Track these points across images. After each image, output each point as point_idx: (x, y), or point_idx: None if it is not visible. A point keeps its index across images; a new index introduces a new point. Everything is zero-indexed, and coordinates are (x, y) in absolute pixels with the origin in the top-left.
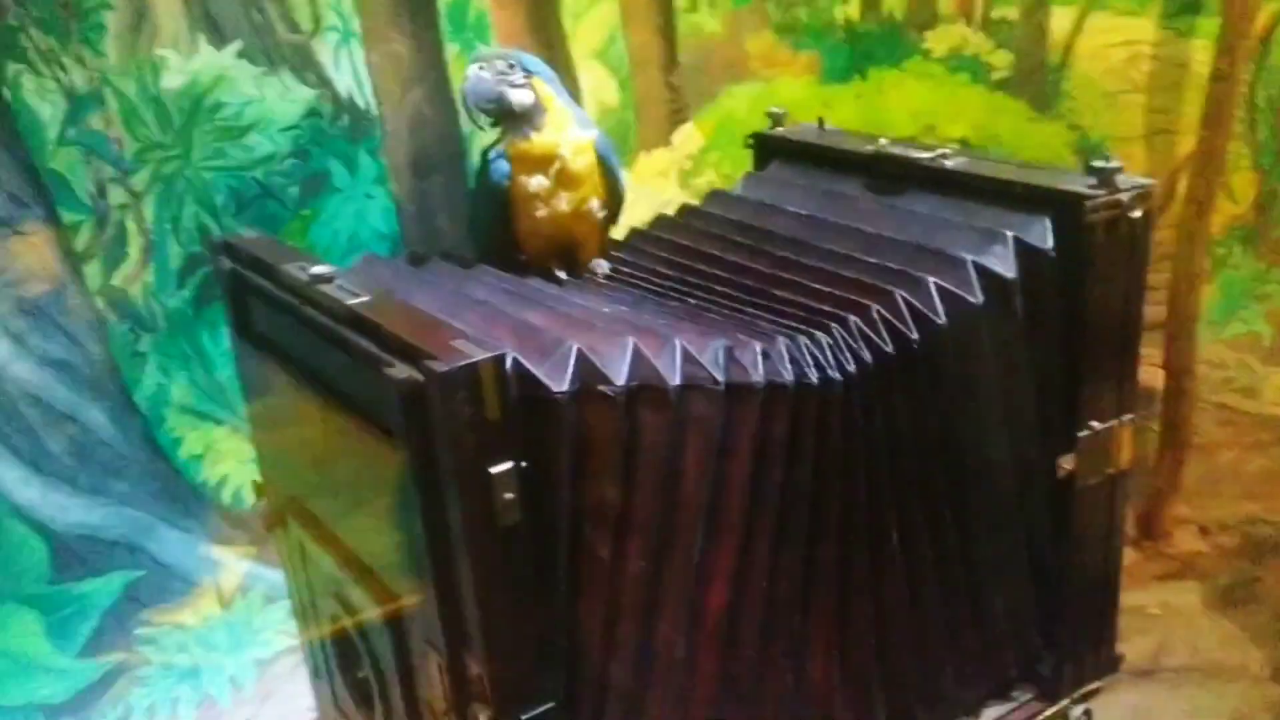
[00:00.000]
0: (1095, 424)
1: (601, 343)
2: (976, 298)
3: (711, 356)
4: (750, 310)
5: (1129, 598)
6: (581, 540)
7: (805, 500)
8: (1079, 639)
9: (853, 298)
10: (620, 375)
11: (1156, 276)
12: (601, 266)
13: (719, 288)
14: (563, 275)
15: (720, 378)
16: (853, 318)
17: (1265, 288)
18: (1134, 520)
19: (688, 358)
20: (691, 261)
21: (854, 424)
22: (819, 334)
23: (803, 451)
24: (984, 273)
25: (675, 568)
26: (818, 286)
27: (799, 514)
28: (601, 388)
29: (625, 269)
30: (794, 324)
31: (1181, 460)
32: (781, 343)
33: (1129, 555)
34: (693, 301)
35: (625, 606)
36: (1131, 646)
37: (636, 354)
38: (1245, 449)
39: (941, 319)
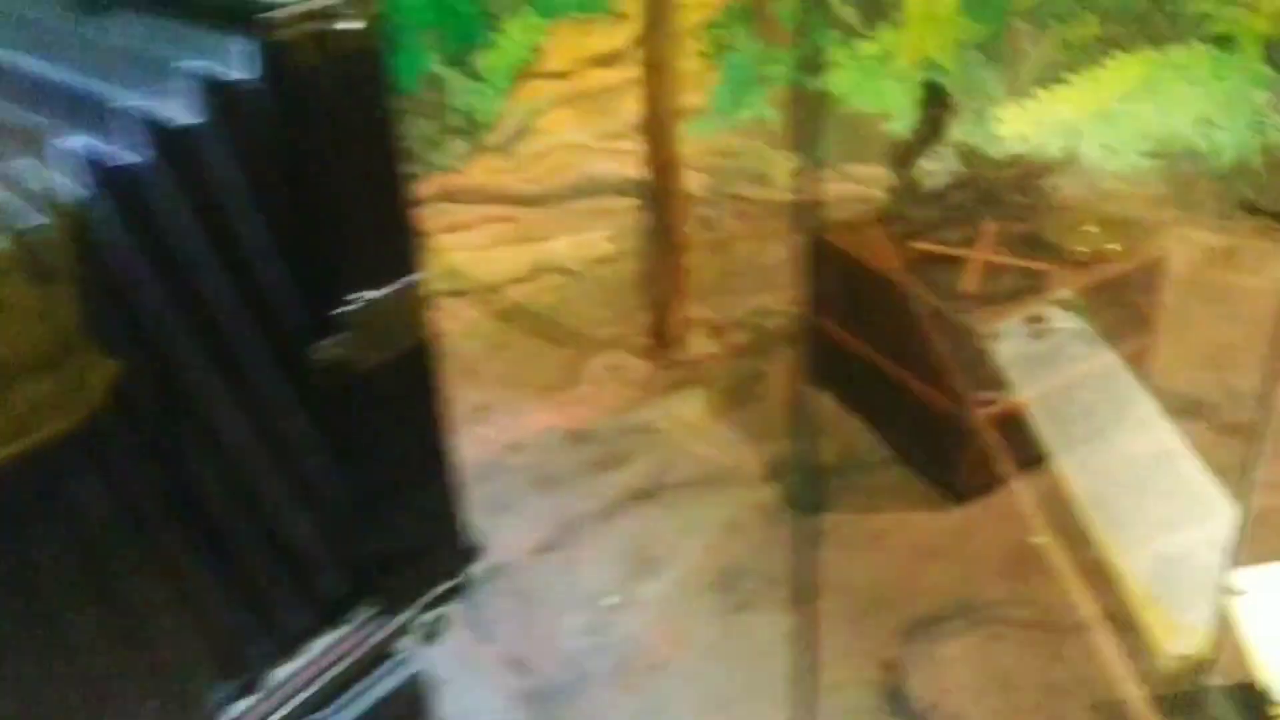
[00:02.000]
0: (366, 294)
1: None
2: (143, 156)
3: None
4: None
5: (637, 416)
6: None
7: None
8: (413, 543)
9: None
10: None
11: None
12: None
13: None
14: None
15: None
16: None
17: (768, 69)
18: (646, 330)
19: None
20: None
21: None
22: None
23: None
24: (153, 124)
25: None
26: None
27: None
28: None
29: None
30: None
31: (680, 263)
32: None
33: (642, 368)
34: None
35: None
36: (634, 469)
37: None
38: (760, 239)
39: (90, 189)
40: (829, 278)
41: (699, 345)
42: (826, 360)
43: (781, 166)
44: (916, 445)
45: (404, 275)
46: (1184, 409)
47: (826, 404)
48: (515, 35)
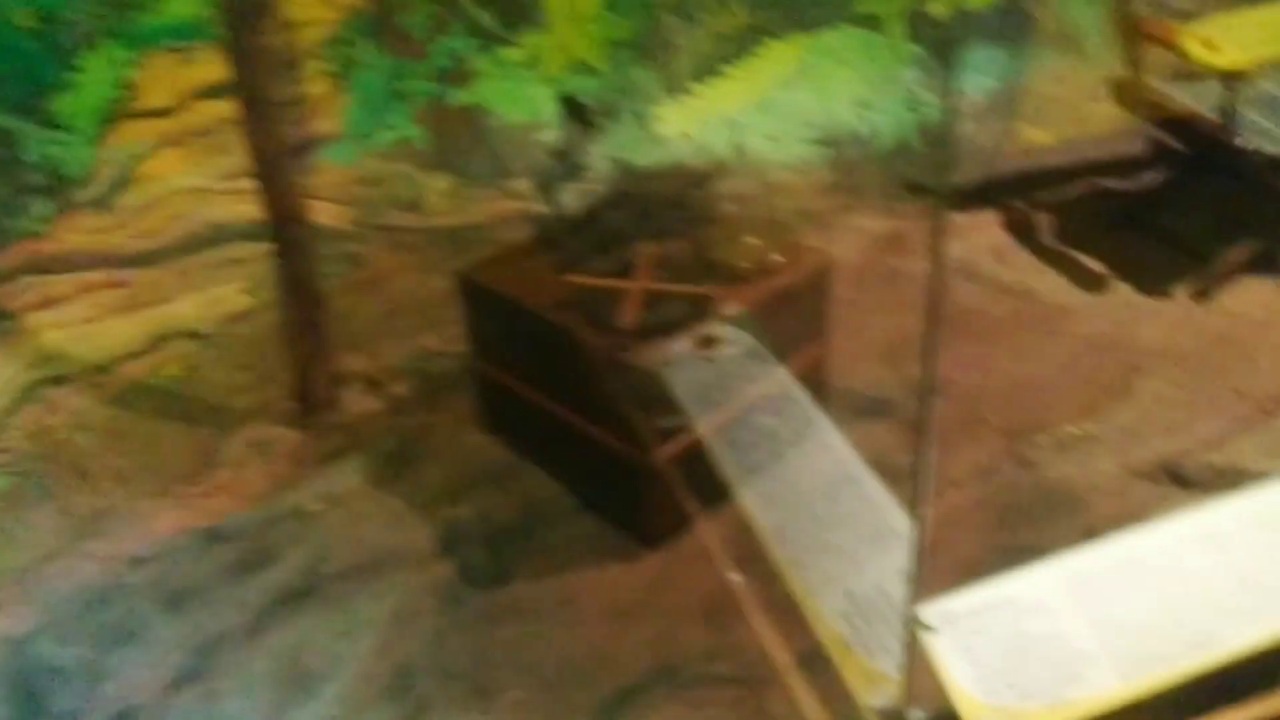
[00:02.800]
0: None
1: None
2: None
3: None
4: None
5: (286, 500)
6: None
7: None
8: None
9: None
10: None
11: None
12: None
13: None
14: None
15: None
16: None
17: (405, 84)
18: (292, 394)
19: None
20: None
21: None
22: None
23: None
24: None
25: None
26: None
27: None
28: None
29: None
30: None
31: (320, 313)
32: None
33: (291, 440)
34: None
35: None
36: (285, 566)
37: None
38: (418, 272)
39: None
40: (486, 317)
41: (355, 403)
42: (497, 406)
43: (434, 189)
44: (601, 492)
45: None
46: (867, 410)
47: (502, 455)
48: (97, 72)
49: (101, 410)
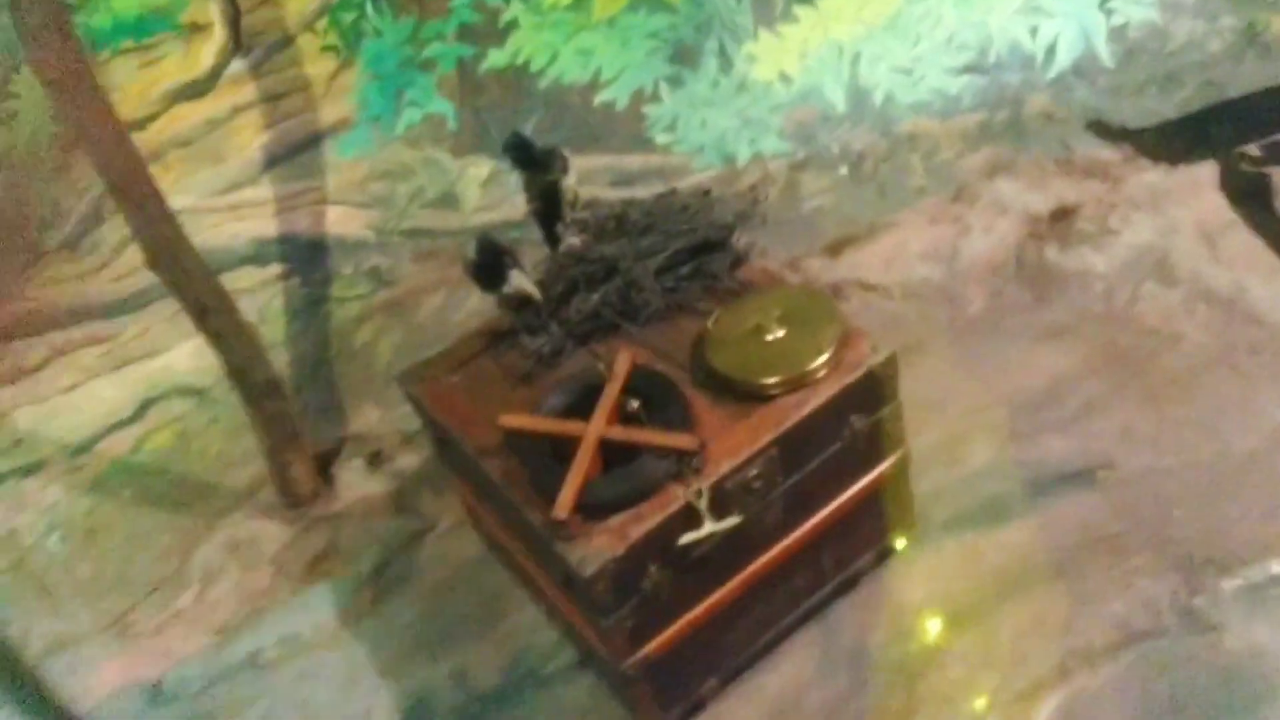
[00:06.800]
0: None
1: None
2: None
3: None
4: None
5: (245, 639)
6: None
7: None
8: None
9: None
10: None
11: None
12: None
13: None
14: None
15: None
16: None
17: (427, 50)
18: (273, 477)
19: None
20: None
21: None
22: None
23: None
24: None
25: None
26: None
27: None
28: None
29: None
30: None
31: (274, 406)
32: None
33: (278, 537)
34: None
35: None
36: None
37: None
38: (453, 287)
39: None
40: (434, 432)
41: (353, 485)
42: (477, 521)
43: (472, 179)
44: (592, 657)
45: None
46: (965, 520)
47: (495, 577)
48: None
49: (76, 503)
